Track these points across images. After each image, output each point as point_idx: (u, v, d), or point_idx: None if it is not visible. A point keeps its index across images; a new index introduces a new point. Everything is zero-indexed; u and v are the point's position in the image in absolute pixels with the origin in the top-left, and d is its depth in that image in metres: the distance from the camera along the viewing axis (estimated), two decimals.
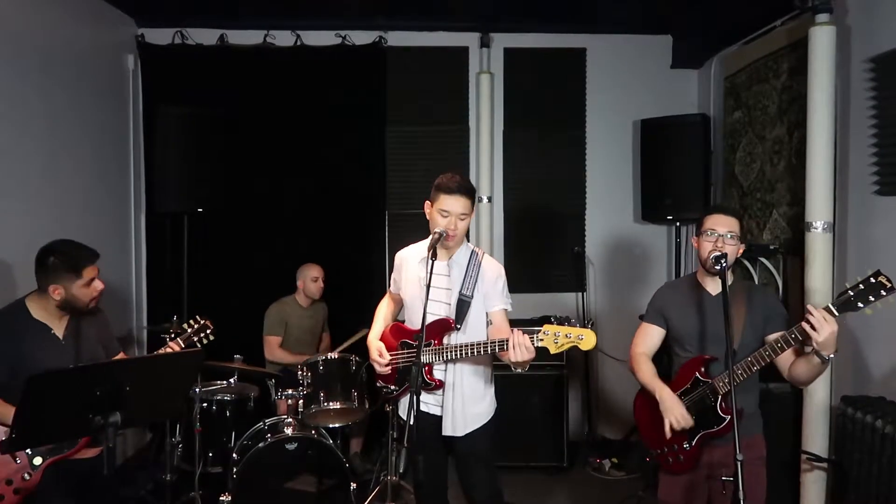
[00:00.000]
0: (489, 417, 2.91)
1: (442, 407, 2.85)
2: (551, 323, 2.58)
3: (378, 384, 3.01)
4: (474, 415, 2.86)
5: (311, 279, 4.52)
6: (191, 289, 4.61)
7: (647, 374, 2.72)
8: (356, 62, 5.08)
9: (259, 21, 4.99)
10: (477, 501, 2.92)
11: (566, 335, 2.54)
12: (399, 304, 3.09)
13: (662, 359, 2.88)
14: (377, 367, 2.93)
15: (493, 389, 2.96)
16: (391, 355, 2.92)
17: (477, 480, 2.91)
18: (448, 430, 2.83)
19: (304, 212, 5.08)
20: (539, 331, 2.57)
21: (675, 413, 2.56)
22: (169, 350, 2.93)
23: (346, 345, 4.33)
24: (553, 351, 2.57)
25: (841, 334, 3.41)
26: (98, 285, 2.69)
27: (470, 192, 2.76)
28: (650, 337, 2.80)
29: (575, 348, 2.58)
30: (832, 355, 2.32)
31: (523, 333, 2.56)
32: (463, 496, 2.97)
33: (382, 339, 2.99)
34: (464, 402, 2.83)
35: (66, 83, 4.03)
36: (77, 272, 2.61)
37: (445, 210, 2.72)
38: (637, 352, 2.80)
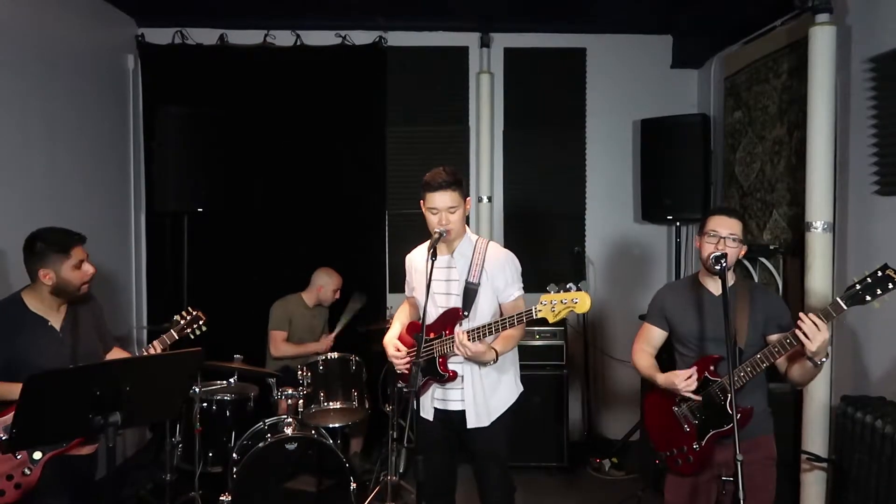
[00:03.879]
0: (513, 402, 2.91)
1: (463, 400, 2.85)
2: (546, 290, 2.58)
3: (398, 385, 3.01)
4: (497, 401, 2.87)
5: (331, 290, 4.52)
6: (191, 289, 4.60)
7: (645, 365, 2.75)
8: (356, 62, 5.08)
9: (259, 21, 4.99)
10: (491, 501, 2.93)
11: (561, 301, 2.55)
12: (416, 308, 3.09)
13: (663, 358, 2.88)
14: (396, 364, 2.92)
15: (511, 373, 2.94)
16: (410, 353, 2.92)
17: (493, 479, 2.92)
18: (472, 422, 2.83)
19: (304, 212, 5.08)
20: (537, 302, 2.59)
21: (677, 383, 2.56)
22: (151, 351, 2.92)
23: (341, 324, 4.37)
24: (552, 319, 2.57)
25: (841, 334, 3.42)
26: (88, 268, 2.69)
27: (452, 184, 2.74)
28: (651, 337, 2.81)
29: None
30: (824, 360, 2.37)
31: (462, 332, 2.66)
32: (477, 495, 2.98)
33: (400, 339, 2.99)
34: (484, 390, 2.84)
35: (66, 83, 4.04)
36: (66, 252, 2.62)
37: (433, 207, 2.75)
38: (639, 348, 2.82)
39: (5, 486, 2.50)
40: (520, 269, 2.91)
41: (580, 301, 2.53)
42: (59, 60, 3.98)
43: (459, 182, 2.79)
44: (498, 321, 2.68)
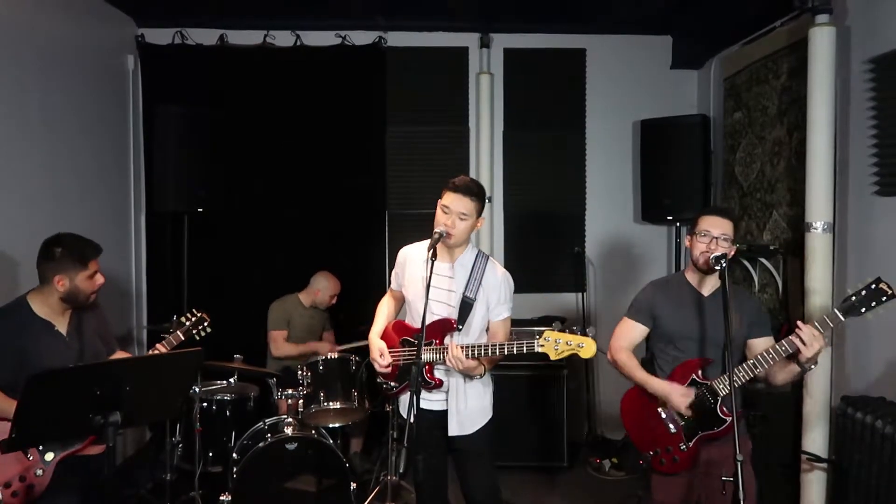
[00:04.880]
0: (492, 413, 2.93)
1: (447, 408, 2.85)
2: (552, 327, 2.60)
3: (379, 380, 3.02)
4: (480, 410, 2.88)
5: (329, 295, 4.52)
6: (191, 289, 4.62)
7: (634, 366, 2.74)
8: (356, 62, 5.08)
9: (259, 21, 4.99)
10: (476, 500, 2.93)
11: (566, 342, 2.57)
12: (400, 302, 3.09)
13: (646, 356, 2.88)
14: (377, 367, 2.94)
15: (491, 387, 2.97)
16: (392, 352, 2.92)
17: (477, 479, 2.91)
18: (454, 430, 2.83)
19: (304, 212, 5.08)
20: (541, 335, 2.60)
21: (675, 398, 2.58)
22: (156, 351, 2.93)
23: (346, 346, 4.34)
24: (553, 357, 2.59)
25: (840, 334, 3.43)
26: (99, 279, 2.73)
27: (472, 193, 2.75)
28: (633, 334, 2.80)
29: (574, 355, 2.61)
30: (813, 367, 2.45)
31: (456, 346, 2.65)
32: (462, 495, 2.97)
33: (384, 336, 2.99)
34: (467, 401, 2.85)
35: (66, 83, 4.03)
36: (83, 263, 2.66)
37: (446, 206, 2.75)
38: (619, 346, 2.80)
39: (18, 487, 2.52)
40: (513, 289, 2.91)
41: (586, 346, 2.56)
42: (59, 60, 3.98)
43: (482, 197, 2.81)
44: (495, 345, 2.67)
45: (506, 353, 2.66)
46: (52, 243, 2.66)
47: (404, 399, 2.93)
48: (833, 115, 3.40)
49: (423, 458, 2.63)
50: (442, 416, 2.86)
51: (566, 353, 2.58)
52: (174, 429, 3.89)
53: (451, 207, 2.74)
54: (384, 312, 3.09)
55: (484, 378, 2.90)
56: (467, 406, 2.85)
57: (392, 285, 3.11)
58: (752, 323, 2.64)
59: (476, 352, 2.68)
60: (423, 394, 2.86)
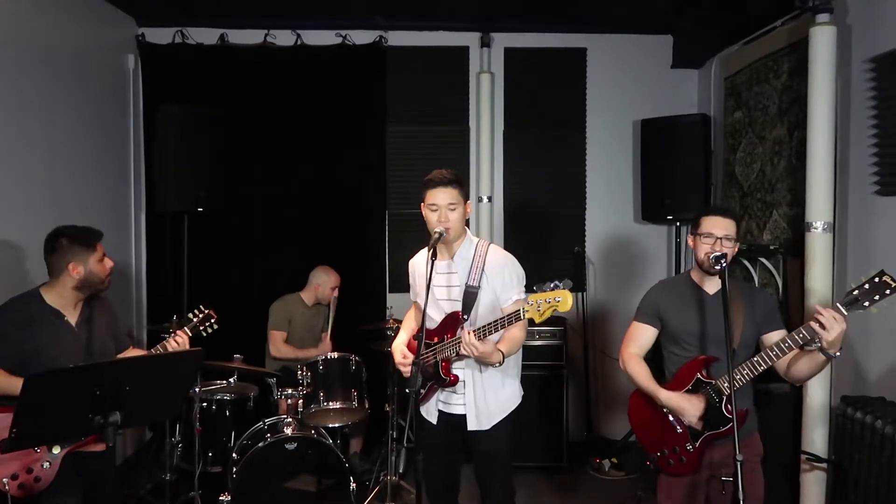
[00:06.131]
0: (514, 407, 2.89)
1: (464, 403, 2.84)
2: (535, 289, 2.57)
3: (407, 390, 3.02)
4: (497, 406, 2.85)
5: (329, 287, 4.52)
6: (191, 289, 4.61)
7: (643, 376, 2.70)
8: (356, 62, 5.08)
9: (259, 21, 4.99)
10: (490, 500, 2.93)
11: (546, 300, 2.53)
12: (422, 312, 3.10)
13: (653, 357, 2.87)
14: (403, 370, 2.93)
15: (514, 378, 2.93)
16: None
17: (494, 481, 2.91)
18: (473, 424, 2.82)
19: (304, 211, 5.08)
20: (524, 303, 2.58)
21: (687, 410, 2.56)
22: (175, 341, 2.91)
23: (330, 321, 4.40)
24: (538, 320, 2.55)
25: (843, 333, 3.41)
26: (109, 262, 2.80)
27: (453, 182, 2.75)
28: (643, 337, 2.77)
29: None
30: (838, 353, 2.35)
31: (469, 332, 2.61)
32: (479, 496, 2.98)
33: (408, 346, 2.99)
34: (485, 394, 2.83)
35: (66, 83, 4.03)
36: (92, 246, 2.72)
37: (433, 204, 2.75)
38: (630, 352, 2.77)
39: (25, 479, 2.53)
40: (521, 273, 2.88)
41: (563, 300, 2.51)
42: (60, 60, 3.98)
43: (460, 182, 2.80)
44: (489, 324, 2.65)
45: (499, 328, 2.63)
46: (55, 235, 2.70)
47: (427, 403, 2.94)
48: (833, 115, 3.40)
49: (423, 459, 2.63)
50: (460, 419, 2.86)
51: (549, 312, 2.53)
52: (174, 429, 3.89)
53: (438, 202, 2.74)
54: (408, 325, 3.11)
55: (504, 370, 2.85)
56: (486, 401, 2.83)
57: (412, 297, 3.13)
58: (765, 317, 2.60)
59: (478, 334, 2.66)
60: (442, 396, 2.88)
